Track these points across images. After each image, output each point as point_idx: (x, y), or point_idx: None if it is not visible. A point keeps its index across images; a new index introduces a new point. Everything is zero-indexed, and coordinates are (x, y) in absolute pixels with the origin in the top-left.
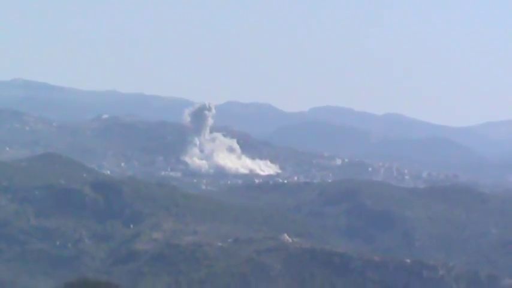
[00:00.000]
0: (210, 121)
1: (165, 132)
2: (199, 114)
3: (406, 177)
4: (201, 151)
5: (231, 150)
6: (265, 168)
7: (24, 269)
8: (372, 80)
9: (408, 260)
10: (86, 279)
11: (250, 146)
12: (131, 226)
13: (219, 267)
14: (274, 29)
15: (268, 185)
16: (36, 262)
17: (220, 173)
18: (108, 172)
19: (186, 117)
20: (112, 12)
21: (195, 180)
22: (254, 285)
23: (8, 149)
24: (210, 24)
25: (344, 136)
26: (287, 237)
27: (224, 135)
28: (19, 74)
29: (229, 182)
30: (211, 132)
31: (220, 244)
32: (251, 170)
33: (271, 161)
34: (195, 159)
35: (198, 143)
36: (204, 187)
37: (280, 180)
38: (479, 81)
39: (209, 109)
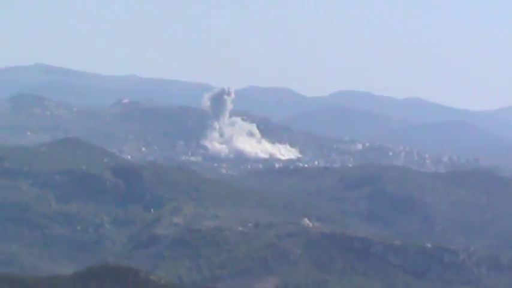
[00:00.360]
0: (230, 106)
1: (186, 117)
2: (218, 99)
3: (427, 161)
4: (221, 135)
5: (250, 134)
6: (285, 152)
7: (46, 254)
8: (392, 64)
9: (429, 245)
10: (106, 264)
11: (270, 131)
12: (152, 211)
13: (239, 251)
14: (295, 13)
15: (288, 170)
16: (57, 247)
17: (240, 157)
18: (129, 157)
19: (206, 102)
20: None
21: (215, 165)
22: (275, 269)
23: (29, 133)
24: (231, 8)
25: (364, 121)
26: (307, 221)
27: (244, 120)
28: (40, 59)
29: (249, 166)
30: (230, 116)
31: (240, 229)
32: (271, 155)
33: (291, 145)
34: (214, 144)
35: (217, 127)
36: (224, 171)
37: (301, 165)
38: (500, 65)
39: (228, 94)
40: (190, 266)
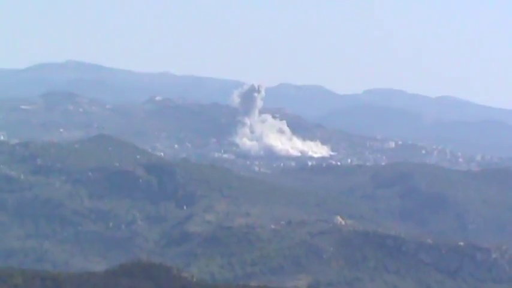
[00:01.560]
0: (259, 103)
1: (218, 114)
2: (248, 96)
3: (460, 159)
4: (251, 132)
5: (281, 131)
6: (316, 149)
7: (78, 250)
8: (425, 61)
9: (461, 243)
10: (139, 261)
11: (302, 128)
12: (184, 208)
13: (271, 249)
14: (328, 12)
15: (321, 168)
16: (89, 243)
17: (271, 154)
18: (162, 154)
19: (235, 99)
20: None
21: (248, 162)
22: (307, 267)
23: (61, 130)
24: (264, 6)
25: (397, 118)
26: (340, 219)
27: (274, 117)
28: (72, 56)
29: (282, 164)
30: (261, 113)
31: (273, 226)
32: (302, 152)
33: (322, 143)
34: (245, 140)
35: (248, 124)
36: (257, 169)
37: (333, 163)
38: None
39: (258, 91)
40: (223, 264)
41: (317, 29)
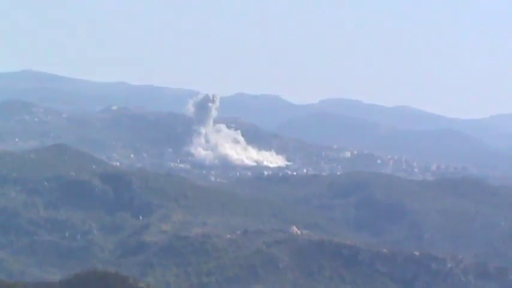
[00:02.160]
0: (214, 112)
1: (175, 124)
2: (202, 106)
3: (415, 169)
4: (206, 142)
5: (235, 141)
6: (271, 159)
7: (33, 260)
8: (381, 72)
9: (417, 253)
10: (94, 271)
11: (258, 138)
12: (140, 218)
13: (227, 258)
14: (284, 22)
15: (277, 177)
16: (45, 253)
17: (227, 164)
18: (118, 164)
19: (190, 108)
20: (121, 4)
21: (204, 172)
22: (263, 276)
23: (17, 140)
24: (220, 16)
25: (353, 128)
26: (296, 229)
27: (229, 127)
28: (28, 66)
29: (238, 173)
30: (215, 123)
31: (229, 236)
32: (257, 161)
33: (278, 152)
34: (200, 150)
35: (203, 133)
36: (213, 179)
37: (289, 173)
38: (489, 73)
39: (212, 101)
40: (179, 273)
41: (274, 39)
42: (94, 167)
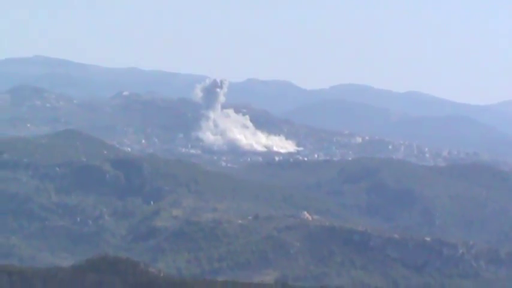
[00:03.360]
0: (222, 98)
1: (185, 110)
2: (210, 91)
3: (427, 155)
4: (215, 127)
5: (244, 126)
6: (280, 144)
7: (45, 246)
8: (392, 57)
9: (428, 238)
10: (105, 256)
11: (270, 124)
12: (151, 203)
13: (238, 244)
14: (296, 7)
15: (288, 163)
16: (56, 238)
17: (236, 149)
18: (129, 149)
19: (198, 93)
20: None
21: (215, 158)
22: (274, 262)
23: (29, 125)
24: (233, 2)
25: (364, 114)
26: (307, 214)
27: (237, 112)
28: (40, 51)
29: (249, 159)
30: (224, 108)
31: (240, 221)
32: (266, 146)
33: (287, 137)
34: (208, 135)
35: (211, 118)
36: (224, 164)
37: (300, 158)
38: (500, 59)
39: (220, 86)
40: (189, 259)
41: (285, 24)
42: (105, 152)
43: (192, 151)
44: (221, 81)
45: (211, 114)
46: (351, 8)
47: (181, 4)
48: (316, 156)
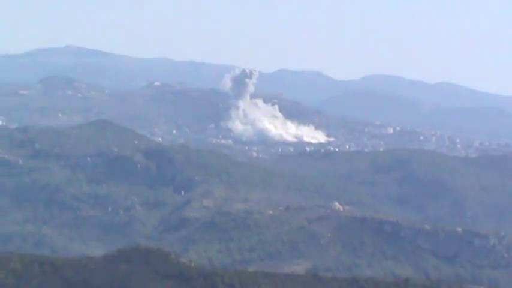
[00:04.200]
0: (251, 88)
1: (216, 100)
2: (239, 80)
3: (458, 146)
4: (244, 116)
5: (273, 116)
6: (310, 134)
7: (76, 235)
8: (424, 48)
9: (459, 229)
10: (137, 246)
11: (301, 114)
12: (182, 193)
13: (269, 234)
14: None
15: (319, 153)
16: (88, 228)
17: (266, 139)
18: (160, 139)
19: (227, 83)
20: None
21: (246, 148)
22: (305, 252)
23: (60, 115)
24: None
25: (396, 105)
26: (338, 205)
27: (270, 103)
28: (71, 41)
29: (280, 149)
30: (253, 98)
31: (271, 212)
32: (296, 136)
33: (317, 128)
34: (237, 124)
35: (241, 107)
36: (255, 155)
37: (332, 149)
38: None
39: (249, 76)
40: (221, 249)
41: (316, 15)
42: (136, 142)
43: (223, 141)
44: (250, 71)
45: (241, 104)
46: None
47: None
48: (347, 147)
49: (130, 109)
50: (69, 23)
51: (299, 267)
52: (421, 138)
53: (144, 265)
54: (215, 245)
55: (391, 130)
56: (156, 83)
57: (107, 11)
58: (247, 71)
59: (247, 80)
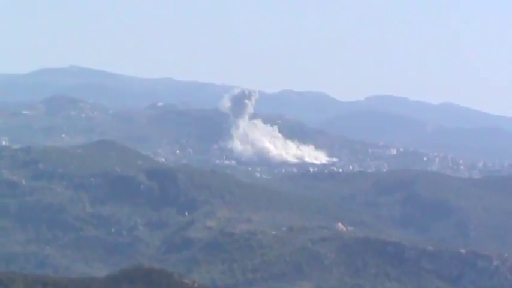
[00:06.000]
0: (250, 108)
1: (220, 120)
2: (237, 101)
3: (462, 167)
4: (244, 137)
5: (273, 136)
6: (311, 154)
7: (79, 256)
8: (427, 69)
9: (463, 250)
10: (140, 267)
11: (304, 134)
12: (186, 214)
13: (273, 255)
14: (330, 19)
15: (322, 174)
16: (91, 249)
17: (266, 159)
18: (163, 160)
19: (226, 103)
20: (167, 1)
21: (249, 169)
22: (308, 273)
23: (63, 135)
24: (267, 13)
25: (399, 125)
26: (341, 226)
27: (271, 123)
28: (75, 61)
29: (283, 170)
30: (252, 119)
31: (274, 232)
32: (296, 156)
33: (317, 148)
34: (237, 144)
35: (240, 127)
36: (258, 175)
37: (335, 169)
38: None
39: (248, 96)
40: (224, 270)
41: (319, 35)
42: (140, 163)
43: (227, 162)
44: (249, 92)
45: (240, 124)
46: (386, 20)
47: (217, 15)
48: (350, 167)
49: (133, 129)
50: (72, 43)
51: None
52: (425, 159)
53: (147, 286)
54: (218, 266)
55: (394, 151)
56: (159, 104)
57: (110, 31)
58: (246, 91)
59: (246, 100)
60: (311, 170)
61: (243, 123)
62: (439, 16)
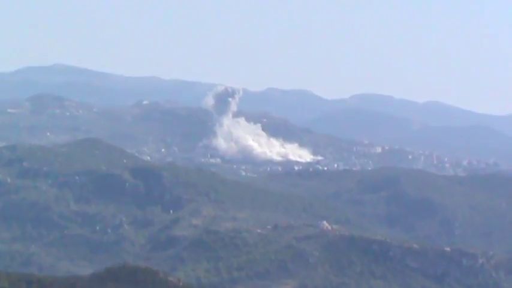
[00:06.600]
0: (234, 106)
1: (205, 118)
2: (221, 99)
3: (447, 165)
4: (228, 134)
5: (256, 134)
6: (295, 152)
7: (64, 254)
8: (412, 67)
9: (448, 248)
10: (125, 265)
11: (289, 133)
12: (171, 212)
13: (258, 253)
14: (316, 17)
15: (307, 172)
16: (76, 247)
17: (251, 157)
18: (148, 158)
19: (209, 101)
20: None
21: (234, 167)
22: (293, 271)
23: (48, 134)
24: (253, 12)
25: (384, 124)
26: (326, 224)
27: (255, 121)
28: (60, 60)
29: (268, 168)
30: (237, 117)
31: (259, 231)
32: (280, 154)
33: (301, 146)
34: (221, 142)
35: (224, 125)
36: (243, 173)
37: (320, 168)
38: None
39: (231, 94)
40: (209, 268)
41: (305, 33)
42: (125, 161)
43: (212, 160)
44: (233, 90)
45: (224, 122)
46: (372, 18)
47: (202, 14)
48: (335, 165)
49: (118, 128)
50: (58, 41)
51: (287, 286)
52: (410, 157)
53: (132, 284)
54: (203, 264)
55: (379, 149)
56: (145, 102)
57: (96, 30)
58: (230, 89)
59: (229, 98)
60: (296, 168)
61: (227, 121)
62: (424, 15)
